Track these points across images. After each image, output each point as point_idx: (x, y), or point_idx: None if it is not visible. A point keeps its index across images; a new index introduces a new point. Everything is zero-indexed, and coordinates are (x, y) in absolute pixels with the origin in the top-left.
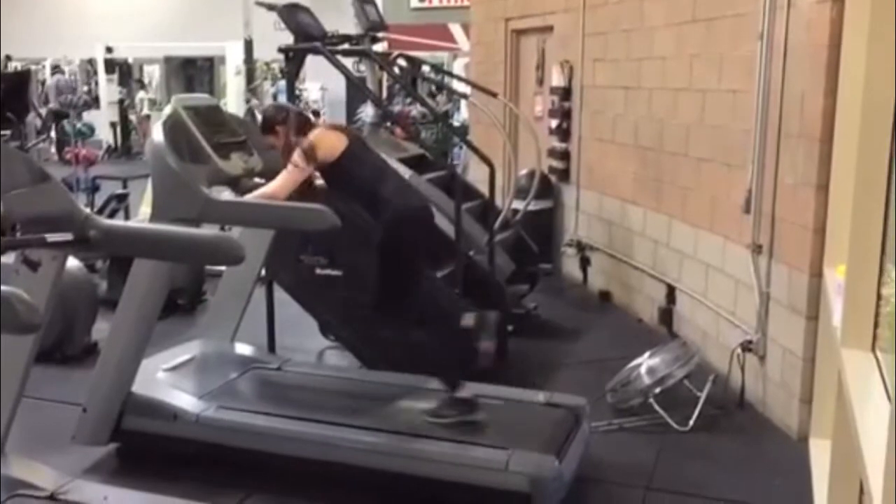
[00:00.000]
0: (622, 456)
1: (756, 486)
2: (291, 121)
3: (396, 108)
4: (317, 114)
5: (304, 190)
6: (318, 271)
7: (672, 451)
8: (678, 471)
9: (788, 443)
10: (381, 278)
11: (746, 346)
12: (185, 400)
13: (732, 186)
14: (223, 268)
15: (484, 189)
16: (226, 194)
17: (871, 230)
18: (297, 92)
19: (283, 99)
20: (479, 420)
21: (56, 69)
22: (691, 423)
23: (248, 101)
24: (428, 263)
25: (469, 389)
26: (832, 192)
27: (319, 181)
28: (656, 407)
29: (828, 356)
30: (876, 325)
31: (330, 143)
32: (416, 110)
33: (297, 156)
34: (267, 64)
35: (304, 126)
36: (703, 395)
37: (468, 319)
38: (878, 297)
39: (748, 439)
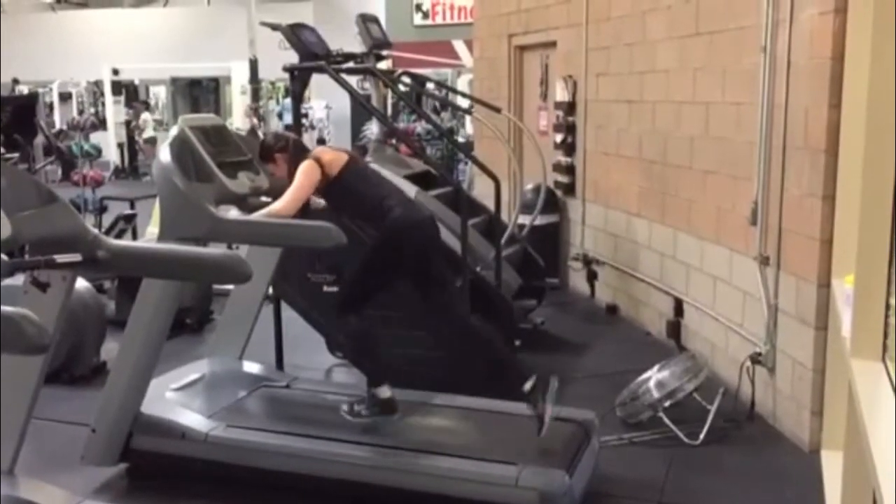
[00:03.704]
0: (632, 470)
1: (768, 498)
2: (290, 148)
3: (401, 124)
4: (322, 141)
5: (309, 208)
6: (326, 288)
7: (683, 464)
8: (689, 485)
9: (800, 455)
10: (366, 275)
11: (755, 359)
12: (193, 419)
13: (738, 198)
14: (231, 286)
15: (490, 204)
16: (232, 213)
17: (879, 239)
18: (302, 111)
19: (288, 117)
20: (395, 420)
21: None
22: (702, 436)
23: (248, 116)
24: (437, 277)
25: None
26: (839, 202)
27: (321, 202)
28: (666, 420)
29: (838, 367)
30: (885, 334)
31: (329, 159)
32: (420, 127)
33: (301, 172)
34: (272, 83)
35: (301, 154)
36: (713, 408)
37: (529, 384)
38: (888, 306)
39: (759, 452)
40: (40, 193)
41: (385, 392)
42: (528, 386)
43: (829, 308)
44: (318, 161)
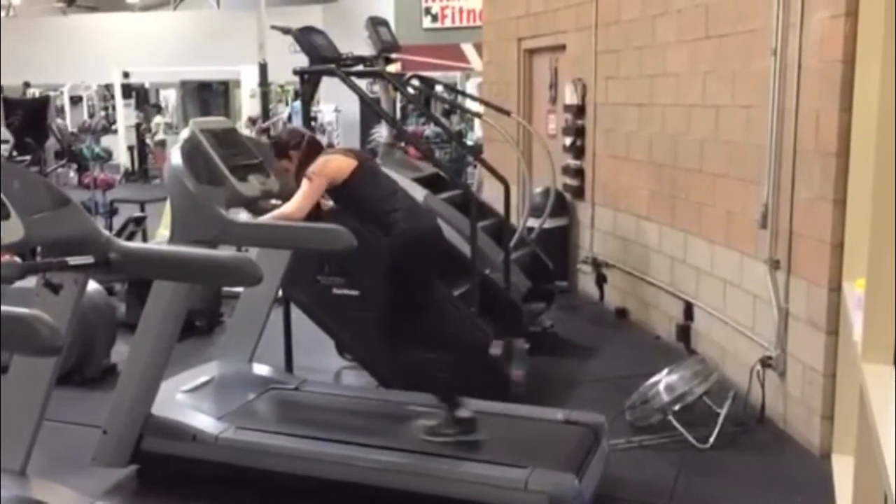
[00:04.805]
0: (642, 474)
1: (778, 503)
2: (304, 145)
3: (410, 127)
4: (331, 146)
5: (317, 211)
6: (335, 291)
7: (692, 468)
8: (699, 489)
9: (810, 459)
10: (392, 299)
11: (766, 362)
12: (204, 421)
13: (748, 202)
14: (241, 289)
15: (499, 207)
16: (243, 216)
17: (890, 243)
18: (312, 114)
19: (297, 120)
20: (478, 440)
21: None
22: (711, 440)
23: (247, 128)
24: (442, 282)
25: (470, 408)
26: (849, 205)
27: (330, 202)
28: (676, 424)
29: (849, 371)
30: None
31: (338, 164)
32: (429, 130)
33: (308, 176)
34: (282, 86)
35: (316, 150)
36: (722, 412)
37: (496, 348)
38: None
39: (769, 456)
40: (53, 196)
41: (465, 412)
42: (496, 350)
43: (840, 312)
44: (322, 170)
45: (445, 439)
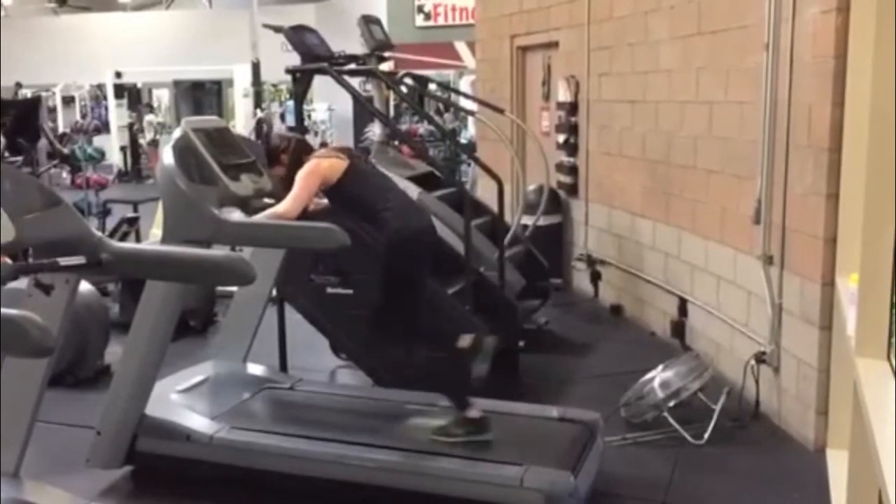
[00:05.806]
0: (637, 470)
1: (773, 498)
2: (293, 148)
3: (404, 126)
4: (324, 145)
5: (311, 210)
6: (330, 290)
7: (688, 464)
8: (694, 485)
9: (805, 454)
10: (385, 298)
11: (760, 358)
12: (198, 421)
13: (742, 198)
14: (234, 288)
15: (493, 205)
16: (236, 215)
17: (883, 237)
18: (305, 112)
19: (291, 120)
20: (488, 440)
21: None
22: (706, 436)
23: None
24: (436, 281)
25: (479, 408)
26: (842, 200)
27: (324, 201)
28: (671, 420)
29: (843, 366)
30: (891, 333)
31: (330, 163)
32: (423, 128)
33: (301, 175)
34: (274, 86)
35: (306, 150)
36: (717, 408)
37: (464, 341)
38: (892, 305)
39: (764, 451)
40: (44, 196)
41: (475, 412)
42: (465, 342)
43: (834, 307)
44: (314, 170)
45: (455, 439)
